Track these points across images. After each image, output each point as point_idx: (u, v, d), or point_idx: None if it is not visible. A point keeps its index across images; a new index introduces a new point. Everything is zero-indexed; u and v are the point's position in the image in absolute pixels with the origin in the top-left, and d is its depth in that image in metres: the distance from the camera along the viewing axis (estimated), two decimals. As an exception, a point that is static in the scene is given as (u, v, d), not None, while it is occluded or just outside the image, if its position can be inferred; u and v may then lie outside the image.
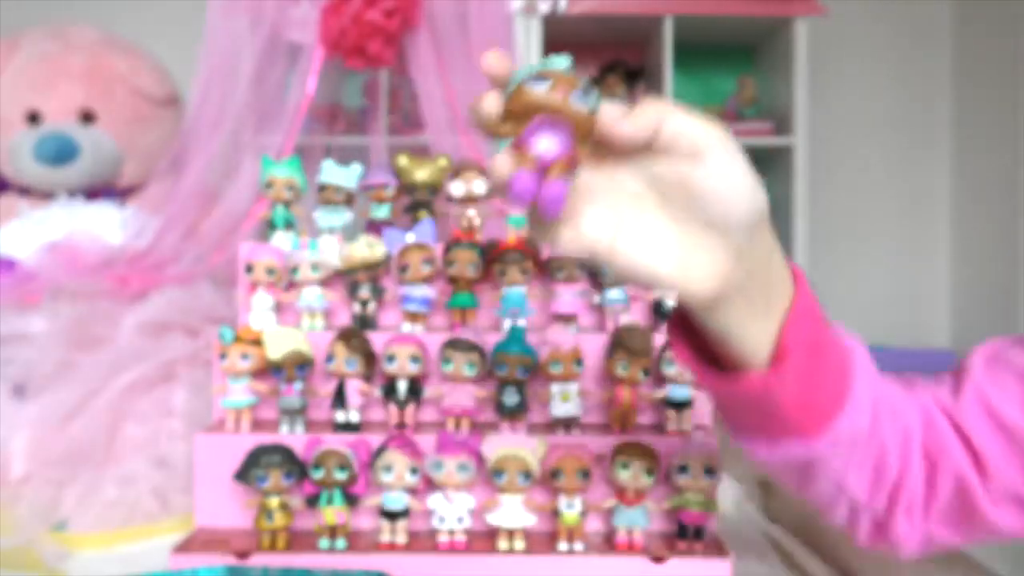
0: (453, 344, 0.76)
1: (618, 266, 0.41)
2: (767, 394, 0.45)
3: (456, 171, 0.85)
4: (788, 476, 0.55)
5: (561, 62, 0.38)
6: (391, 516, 0.73)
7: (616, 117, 0.38)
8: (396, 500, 0.72)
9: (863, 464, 0.51)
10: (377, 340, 0.78)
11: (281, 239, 0.86)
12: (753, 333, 0.45)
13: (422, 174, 0.86)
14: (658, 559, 0.72)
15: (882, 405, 0.51)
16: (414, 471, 0.72)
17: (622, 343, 0.75)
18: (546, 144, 0.36)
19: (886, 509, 0.53)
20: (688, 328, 0.48)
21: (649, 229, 0.41)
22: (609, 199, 0.41)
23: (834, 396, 0.48)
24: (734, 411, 0.50)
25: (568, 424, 0.78)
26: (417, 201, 0.88)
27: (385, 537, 0.74)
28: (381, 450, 0.72)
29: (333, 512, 0.72)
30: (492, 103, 0.38)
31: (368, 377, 0.78)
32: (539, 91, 0.36)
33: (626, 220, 0.41)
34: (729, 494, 1.01)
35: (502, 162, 0.37)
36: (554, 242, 0.41)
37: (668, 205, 0.41)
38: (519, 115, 0.37)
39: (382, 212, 0.89)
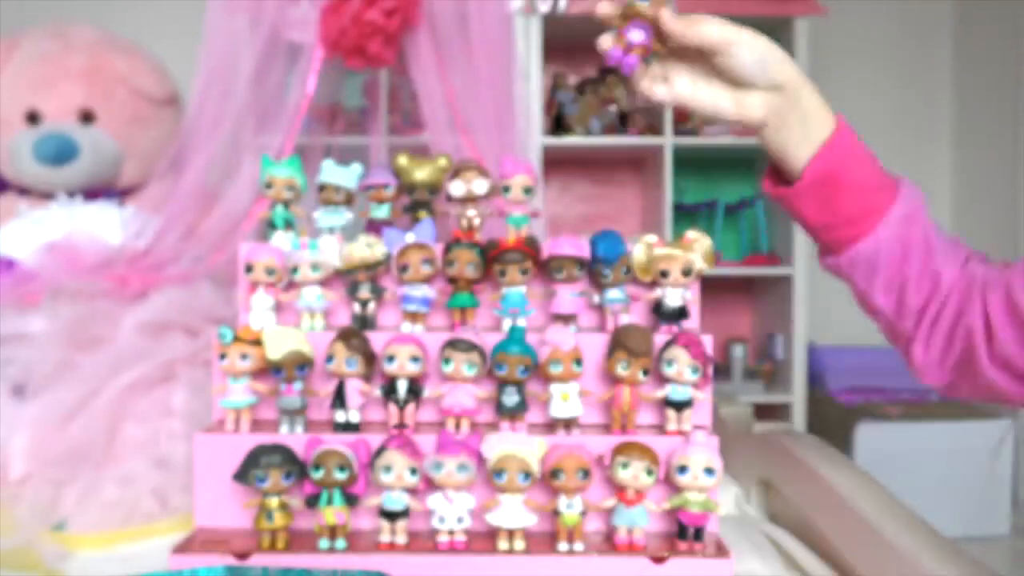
0: (453, 344, 0.76)
1: (698, 105, 0.67)
2: (789, 205, 0.69)
3: (456, 171, 0.85)
4: (852, 286, 0.72)
5: None
6: (391, 516, 0.73)
7: (679, 24, 0.64)
8: (396, 500, 0.72)
9: (888, 288, 0.69)
10: (377, 340, 0.78)
11: (281, 239, 0.85)
12: (794, 154, 0.67)
13: (422, 174, 0.86)
14: (658, 559, 0.72)
15: (915, 246, 0.67)
16: (414, 471, 0.72)
17: (622, 343, 0.75)
18: (635, 34, 0.64)
19: (908, 335, 0.71)
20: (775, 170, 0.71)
21: (713, 87, 0.67)
22: (689, 74, 0.68)
23: (849, 222, 0.67)
24: (796, 219, 0.71)
25: (568, 424, 0.78)
26: (417, 201, 0.88)
27: (385, 537, 0.74)
28: (381, 450, 0.72)
29: (333, 512, 0.72)
30: (607, 7, 0.64)
31: (368, 377, 0.78)
32: (642, 5, 0.64)
33: (699, 83, 0.68)
34: (729, 494, 1.01)
35: (604, 40, 0.65)
36: (658, 93, 0.68)
37: (723, 76, 0.67)
38: (626, 16, 0.64)
39: (382, 212, 0.89)
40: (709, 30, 0.64)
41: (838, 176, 0.66)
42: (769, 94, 0.66)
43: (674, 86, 0.67)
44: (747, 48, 0.65)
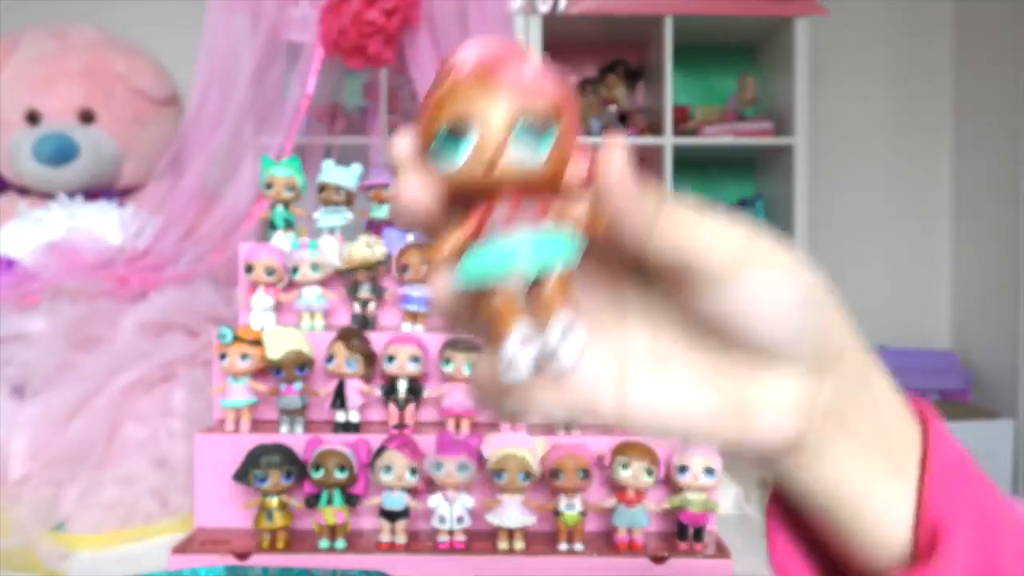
0: (453, 344, 0.76)
1: (634, 424, 0.27)
2: None
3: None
4: None
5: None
6: (391, 516, 0.73)
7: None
8: (396, 500, 0.72)
9: None
10: (377, 340, 0.77)
11: (281, 239, 0.85)
12: (880, 499, 0.28)
13: (422, 174, 0.86)
14: (658, 559, 0.72)
15: None
16: (414, 471, 0.72)
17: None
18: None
19: None
20: (793, 522, 0.31)
21: (671, 364, 0.27)
22: (610, 333, 0.28)
23: None
24: None
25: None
26: (417, 201, 0.88)
27: (385, 537, 0.74)
28: (381, 450, 0.72)
29: (333, 512, 0.72)
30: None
31: (368, 377, 0.78)
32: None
33: (637, 358, 0.28)
34: (729, 494, 1.01)
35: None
36: (515, 411, 0.27)
37: (693, 330, 0.27)
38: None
39: (382, 212, 0.89)
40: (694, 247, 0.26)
41: (984, 513, 0.28)
42: (808, 376, 0.27)
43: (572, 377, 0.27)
44: (782, 283, 0.26)
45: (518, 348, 0.23)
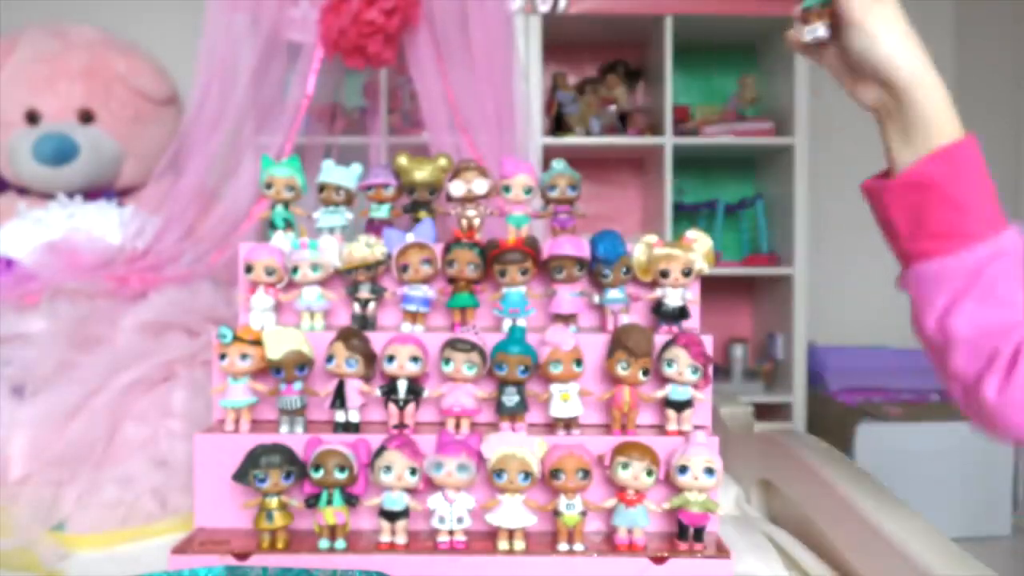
0: (453, 344, 0.75)
1: (827, 69, 0.68)
2: (878, 201, 0.65)
3: (456, 171, 0.85)
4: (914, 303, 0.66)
5: None
6: (391, 516, 0.73)
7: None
8: (396, 500, 0.72)
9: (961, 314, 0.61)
10: (377, 340, 0.77)
11: (281, 239, 0.85)
12: (894, 154, 0.64)
13: (422, 174, 0.86)
14: (658, 559, 0.72)
15: (994, 290, 0.60)
16: (414, 471, 0.72)
17: (622, 343, 0.75)
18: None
19: (975, 373, 0.61)
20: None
21: (841, 63, 0.66)
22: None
23: (932, 236, 0.62)
24: (880, 218, 0.67)
25: (568, 424, 0.78)
26: (417, 201, 0.88)
27: (385, 537, 0.74)
28: (381, 450, 0.72)
29: (333, 512, 0.72)
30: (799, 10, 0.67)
31: (368, 377, 0.77)
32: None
33: (833, 55, 0.67)
34: (729, 494, 1.01)
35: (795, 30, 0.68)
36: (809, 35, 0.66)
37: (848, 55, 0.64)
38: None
39: (382, 212, 0.89)
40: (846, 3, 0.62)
41: (939, 187, 0.61)
42: (879, 88, 0.63)
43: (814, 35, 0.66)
44: (858, 35, 0.61)
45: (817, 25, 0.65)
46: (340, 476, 0.71)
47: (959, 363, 0.62)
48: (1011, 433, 0.61)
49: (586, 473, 0.71)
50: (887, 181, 0.64)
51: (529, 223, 0.83)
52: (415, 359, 0.76)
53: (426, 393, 0.78)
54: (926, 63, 0.61)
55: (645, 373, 0.76)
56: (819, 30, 0.65)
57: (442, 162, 0.87)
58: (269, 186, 0.85)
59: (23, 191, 1.43)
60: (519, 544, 0.72)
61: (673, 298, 0.81)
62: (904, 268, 0.66)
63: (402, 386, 0.77)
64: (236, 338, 0.77)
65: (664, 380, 0.77)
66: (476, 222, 0.84)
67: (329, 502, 0.72)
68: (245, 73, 1.38)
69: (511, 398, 0.76)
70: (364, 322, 0.83)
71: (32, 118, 1.42)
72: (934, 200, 0.61)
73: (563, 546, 0.73)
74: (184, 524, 0.87)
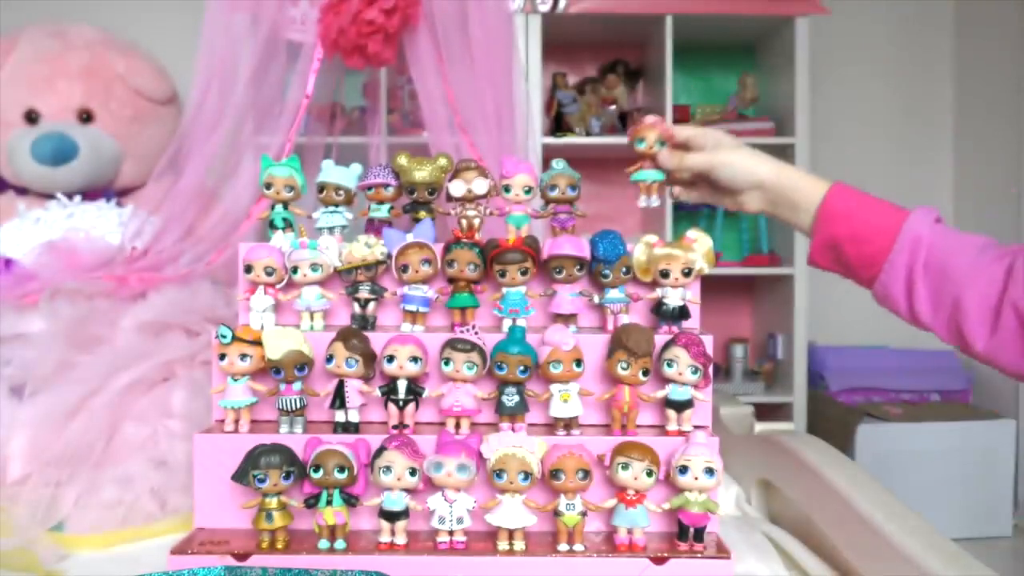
0: (453, 344, 0.75)
1: (709, 202, 0.87)
2: (819, 265, 0.81)
3: (456, 171, 0.85)
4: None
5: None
6: (390, 516, 0.73)
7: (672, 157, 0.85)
8: (395, 500, 0.72)
9: (922, 308, 0.74)
10: (377, 340, 0.77)
11: (281, 239, 0.85)
12: (798, 226, 0.81)
13: (422, 174, 0.86)
14: (658, 559, 0.72)
15: (931, 276, 0.72)
16: (413, 471, 0.72)
17: (622, 343, 0.75)
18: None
19: (965, 336, 0.71)
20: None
21: (716, 194, 0.86)
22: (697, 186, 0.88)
23: (861, 268, 0.77)
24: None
25: (568, 424, 0.77)
26: (417, 201, 0.87)
27: (384, 537, 0.73)
28: (381, 450, 0.72)
29: (333, 512, 0.72)
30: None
31: (368, 377, 0.77)
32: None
33: (704, 190, 0.87)
34: (729, 494, 1.01)
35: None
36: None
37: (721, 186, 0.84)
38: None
39: (382, 212, 0.88)
40: (693, 162, 0.83)
41: (837, 238, 0.77)
42: (756, 191, 0.82)
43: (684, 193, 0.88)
44: (723, 170, 0.82)
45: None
46: (340, 476, 0.71)
47: (930, 322, 0.75)
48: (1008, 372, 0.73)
49: (586, 473, 0.71)
50: (811, 253, 0.81)
51: (529, 223, 0.83)
52: (415, 359, 0.75)
53: (426, 393, 0.78)
54: (772, 159, 0.82)
55: (645, 373, 0.75)
56: (654, 200, 0.85)
57: (442, 162, 0.87)
58: (269, 186, 0.85)
59: (22, 191, 1.43)
60: (519, 544, 0.72)
61: (673, 298, 0.81)
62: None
63: (402, 386, 0.77)
64: (236, 338, 0.77)
65: (664, 380, 0.77)
66: (476, 222, 0.84)
67: (329, 502, 0.72)
68: (245, 73, 1.38)
69: (511, 398, 0.76)
70: (364, 322, 0.83)
71: (31, 118, 1.42)
72: (841, 247, 0.77)
73: (563, 546, 0.72)
74: (184, 524, 0.87)
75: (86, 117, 1.43)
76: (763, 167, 0.81)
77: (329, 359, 0.76)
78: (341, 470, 0.71)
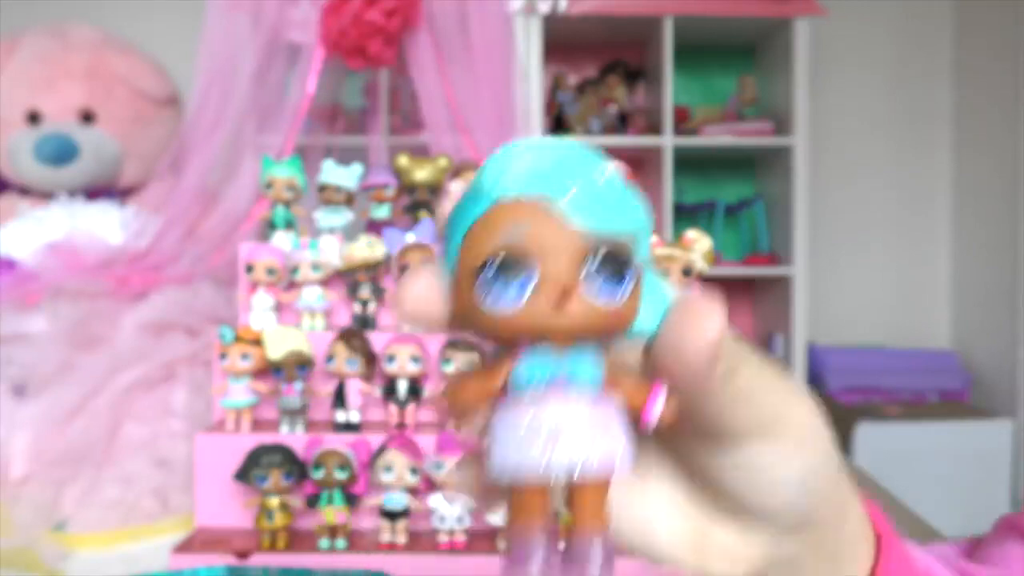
0: (453, 344, 0.76)
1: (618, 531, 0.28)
2: None
3: (456, 171, 0.85)
4: None
5: None
6: (391, 516, 0.73)
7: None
8: (396, 500, 0.72)
9: None
10: (377, 340, 0.78)
11: (281, 239, 0.85)
12: None
13: (422, 174, 0.86)
14: (658, 559, 0.72)
15: None
16: (414, 471, 0.72)
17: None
18: None
19: None
20: None
21: (648, 477, 0.28)
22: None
23: None
24: None
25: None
26: (417, 201, 0.88)
27: (385, 537, 0.74)
28: (381, 450, 0.72)
29: (333, 512, 0.72)
30: None
31: (368, 377, 0.78)
32: None
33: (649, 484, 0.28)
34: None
35: None
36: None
37: (681, 463, 0.28)
38: None
39: (382, 212, 0.89)
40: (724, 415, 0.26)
41: None
42: (782, 535, 0.29)
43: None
44: (783, 463, 0.26)
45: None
46: (340, 476, 0.71)
47: None
48: None
49: (586, 473, 0.71)
50: None
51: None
52: (415, 359, 0.76)
53: (426, 393, 0.78)
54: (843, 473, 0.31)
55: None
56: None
57: (442, 162, 0.87)
58: (270, 186, 0.86)
59: (24, 191, 1.43)
60: (519, 544, 0.72)
61: (673, 298, 0.81)
62: None
63: (402, 386, 0.77)
64: (237, 338, 0.77)
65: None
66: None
67: (330, 502, 0.72)
68: (246, 73, 1.38)
69: (511, 398, 0.76)
70: (364, 322, 0.83)
71: (33, 118, 1.42)
72: None
73: (563, 546, 0.73)
74: (185, 523, 0.87)
75: (88, 118, 1.43)
76: (833, 500, 0.29)
77: (330, 359, 0.76)
78: (342, 470, 0.71)
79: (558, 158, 0.19)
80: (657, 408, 0.21)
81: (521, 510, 0.22)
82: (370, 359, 0.77)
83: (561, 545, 0.22)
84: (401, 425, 0.77)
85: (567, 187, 0.19)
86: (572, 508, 0.22)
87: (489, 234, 0.19)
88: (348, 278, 0.83)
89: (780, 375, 0.26)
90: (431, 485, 0.73)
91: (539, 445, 0.21)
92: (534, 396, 0.20)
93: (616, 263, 0.19)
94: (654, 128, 2.24)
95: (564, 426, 0.21)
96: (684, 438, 0.26)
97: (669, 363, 0.22)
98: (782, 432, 0.26)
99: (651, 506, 0.27)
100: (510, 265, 0.19)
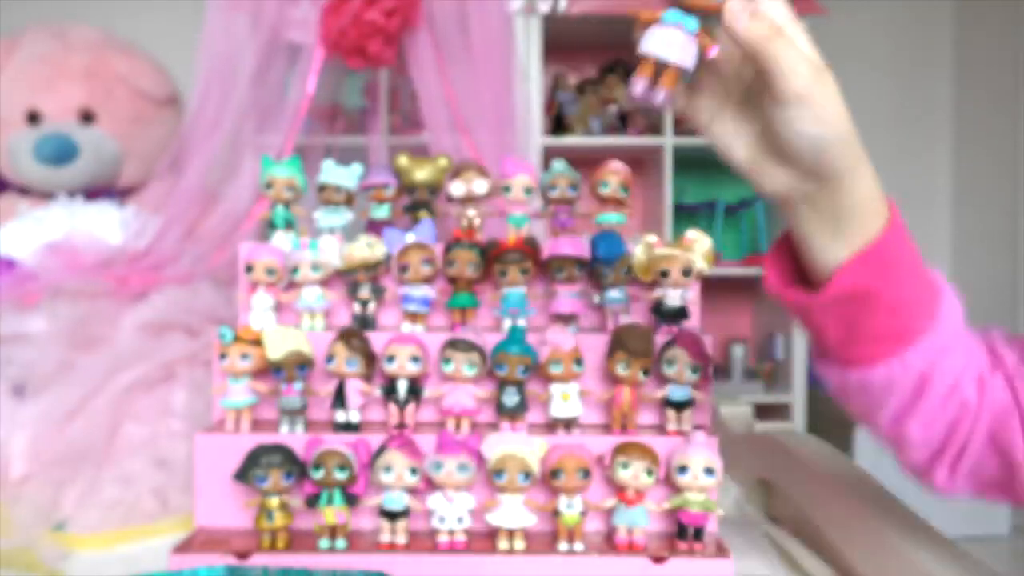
0: (453, 344, 0.76)
1: (710, 138, 0.53)
2: (803, 315, 0.54)
3: (456, 171, 0.85)
4: (848, 403, 0.59)
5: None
6: (391, 516, 0.73)
7: (736, 18, 0.46)
8: (396, 500, 0.72)
9: (897, 420, 0.55)
10: (377, 340, 0.77)
11: (281, 239, 0.85)
12: (821, 250, 0.51)
13: (422, 174, 0.86)
14: (658, 559, 0.72)
15: (942, 379, 0.53)
16: (414, 471, 0.72)
17: (622, 343, 0.75)
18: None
19: (924, 465, 0.58)
20: (788, 253, 0.56)
21: (739, 126, 0.52)
22: (717, 97, 0.52)
23: (873, 341, 0.52)
24: (804, 326, 0.56)
25: (568, 424, 0.78)
26: (417, 201, 0.88)
27: (385, 537, 0.74)
28: (381, 450, 0.72)
29: (333, 512, 0.72)
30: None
31: (368, 377, 0.78)
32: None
33: (725, 113, 0.52)
34: (729, 494, 1.01)
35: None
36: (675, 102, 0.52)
37: (759, 120, 0.51)
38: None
39: (382, 212, 0.89)
40: (790, 60, 0.46)
41: (873, 294, 0.51)
42: (806, 178, 0.49)
43: (689, 108, 0.53)
44: (797, 113, 0.47)
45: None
46: (340, 476, 0.71)
47: (912, 456, 0.58)
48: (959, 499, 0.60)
49: (586, 473, 0.71)
50: (814, 298, 0.52)
51: (529, 223, 0.83)
52: (415, 359, 0.76)
53: (426, 393, 0.78)
54: (859, 141, 0.50)
55: (645, 373, 0.76)
56: (659, 93, 0.48)
57: (442, 162, 0.87)
58: (269, 186, 0.86)
59: (24, 191, 1.43)
60: (519, 544, 0.73)
61: (673, 298, 0.81)
62: (834, 369, 0.56)
63: (402, 386, 0.77)
64: (236, 338, 0.77)
65: (664, 380, 0.77)
66: (476, 222, 0.84)
67: (329, 502, 0.72)
68: (245, 73, 1.38)
69: (511, 398, 0.76)
70: (364, 322, 0.83)
71: (33, 118, 1.42)
72: (872, 307, 0.51)
73: (563, 546, 0.73)
74: (184, 524, 0.87)
75: (87, 118, 1.43)
76: (848, 153, 0.49)
77: (330, 359, 0.76)
78: (342, 470, 0.71)
79: None
80: (713, 52, 0.48)
81: (642, 68, 0.48)
82: (370, 359, 0.77)
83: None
84: (401, 425, 0.77)
85: None
86: (660, 80, 0.48)
87: None
88: (348, 278, 0.83)
89: (812, 48, 0.48)
90: (431, 485, 0.73)
91: (655, 45, 0.47)
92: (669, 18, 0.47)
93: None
94: (654, 128, 2.24)
95: (672, 39, 0.47)
96: (761, 98, 0.49)
97: (729, 31, 0.46)
98: (812, 102, 0.47)
99: (736, 135, 0.52)
100: None
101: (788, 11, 0.48)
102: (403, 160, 0.87)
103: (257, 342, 0.77)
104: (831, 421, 2.25)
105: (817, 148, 0.48)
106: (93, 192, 1.41)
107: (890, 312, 0.52)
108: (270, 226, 0.87)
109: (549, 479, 0.72)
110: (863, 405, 0.56)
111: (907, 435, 0.56)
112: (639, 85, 0.48)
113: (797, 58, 0.46)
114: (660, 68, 0.48)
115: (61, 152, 1.36)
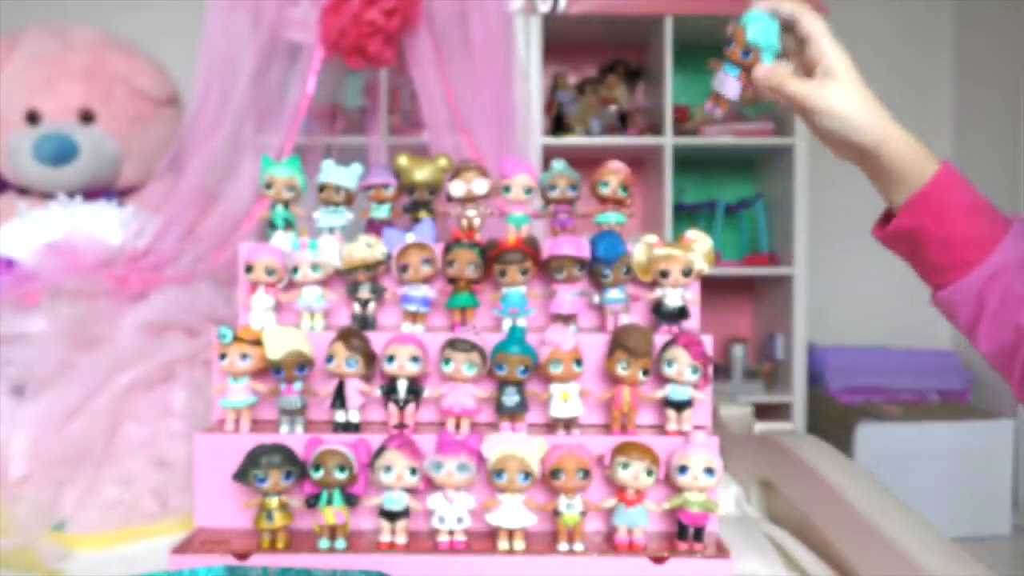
0: (453, 344, 0.75)
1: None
2: (885, 243, 0.69)
3: (456, 171, 0.85)
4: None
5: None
6: (391, 516, 0.73)
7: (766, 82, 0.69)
8: (396, 500, 0.72)
9: (969, 333, 0.66)
10: (377, 340, 0.77)
11: (281, 239, 0.85)
12: (888, 196, 0.67)
13: (422, 174, 0.86)
14: (658, 559, 0.72)
15: (1004, 301, 0.62)
16: (414, 471, 0.72)
17: (622, 343, 0.75)
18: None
19: (1005, 375, 0.65)
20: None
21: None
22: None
23: (936, 271, 0.66)
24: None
25: (568, 424, 0.78)
26: (417, 201, 0.88)
27: (385, 537, 0.74)
28: (381, 450, 0.72)
29: (333, 512, 0.72)
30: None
31: (368, 377, 0.78)
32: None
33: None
34: (729, 494, 1.01)
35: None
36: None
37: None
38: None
39: (382, 212, 0.89)
40: (793, 90, 0.66)
41: (924, 231, 0.64)
42: (848, 153, 0.68)
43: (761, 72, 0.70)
44: (826, 118, 0.65)
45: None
46: (340, 476, 0.71)
47: (994, 365, 0.66)
48: None
49: (586, 473, 0.71)
50: (883, 232, 0.68)
51: (529, 223, 0.83)
52: (415, 359, 0.76)
53: (426, 393, 0.78)
54: (886, 118, 0.65)
55: (645, 373, 0.76)
56: (717, 111, 0.72)
57: (442, 162, 0.87)
58: (269, 186, 0.86)
59: (24, 191, 1.43)
60: (519, 544, 0.72)
61: (673, 298, 0.81)
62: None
63: (402, 386, 0.77)
64: (236, 338, 0.77)
65: (664, 380, 0.77)
66: (476, 222, 0.84)
67: (329, 502, 0.72)
68: (245, 73, 1.38)
69: (511, 398, 0.76)
70: (364, 322, 0.83)
71: (33, 118, 1.42)
72: (923, 243, 0.65)
73: (563, 546, 0.73)
74: (184, 524, 0.87)
75: (87, 117, 1.43)
76: (867, 134, 0.64)
77: (329, 359, 0.76)
78: (341, 470, 0.71)
79: None
80: (739, 92, 0.70)
81: (711, 96, 0.70)
82: (370, 359, 0.77)
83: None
84: (401, 425, 0.77)
85: None
86: (718, 103, 0.71)
87: None
88: (348, 278, 0.83)
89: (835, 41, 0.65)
90: (431, 485, 0.73)
91: (716, 83, 0.71)
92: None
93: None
94: (654, 128, 2.24)
95: (724, 81, 0.71)
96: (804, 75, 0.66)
97: (754, 80, 0.69)
98: (821, 113, 0.65)
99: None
100: None
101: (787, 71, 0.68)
102: (403, 160, 0.87)
103: (257, 342, 0.77)
104: (831, 421, 2.25)
105: (836, 133, 0.65)
106: (93, 192, 1.41)
107: (941, 247, 0.64)
108: (270, 226, 0.87)
109: (549, 479, 0.71)
110: (952, 322, 0.68)
111: (979, 348, 0.66)
112: (707, 106, 0.72)
113: (797, 88, 0.66)
114: (718, 96, 0.71)
115: (61, 152, 1.36)
